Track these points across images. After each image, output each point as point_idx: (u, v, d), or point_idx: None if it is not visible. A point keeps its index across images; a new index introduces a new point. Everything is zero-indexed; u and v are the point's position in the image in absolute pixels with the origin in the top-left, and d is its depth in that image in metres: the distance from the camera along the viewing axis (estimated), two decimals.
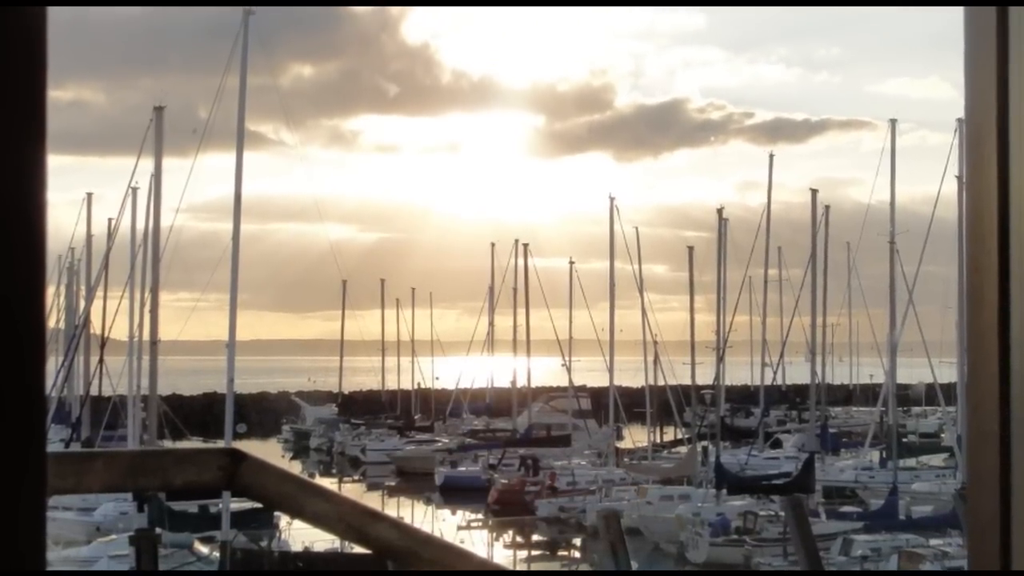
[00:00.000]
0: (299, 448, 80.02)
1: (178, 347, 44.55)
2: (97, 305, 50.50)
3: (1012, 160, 1.74)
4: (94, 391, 51.50)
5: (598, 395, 70.29)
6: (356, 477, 67.53)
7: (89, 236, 58.26)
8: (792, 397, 76.43)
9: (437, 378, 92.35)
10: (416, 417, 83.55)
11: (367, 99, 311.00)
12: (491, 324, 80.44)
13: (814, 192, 57.93)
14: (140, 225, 44.71)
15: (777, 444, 63.07)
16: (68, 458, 2.63)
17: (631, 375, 68.09)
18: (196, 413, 75.91)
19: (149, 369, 39.54)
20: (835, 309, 64.89)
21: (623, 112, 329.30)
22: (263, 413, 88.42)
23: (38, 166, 1.31)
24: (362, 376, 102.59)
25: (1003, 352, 1.71)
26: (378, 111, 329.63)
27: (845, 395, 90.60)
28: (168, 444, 44.30)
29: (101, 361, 49.71)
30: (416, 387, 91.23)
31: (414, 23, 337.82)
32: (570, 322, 69.88)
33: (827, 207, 59.67)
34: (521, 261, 73.84)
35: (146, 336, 40.65)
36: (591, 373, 77.09)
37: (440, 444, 68.33)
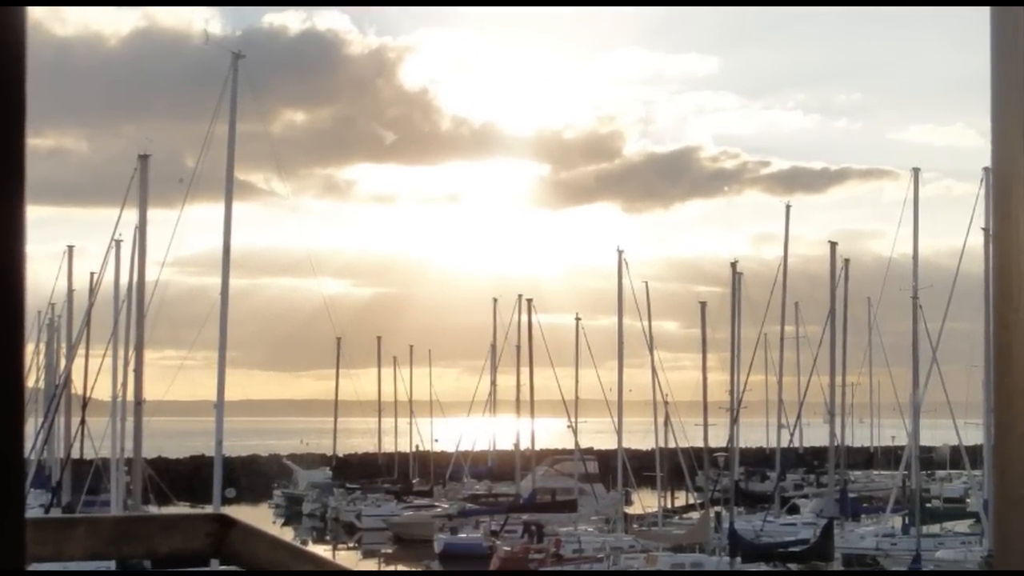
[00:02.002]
0: (291, 514, 79.47)
1: (164, 408, 43.83)
2: (79, 363, 50.67)
3: None
4: (75, 454, 51.11)
5: (606, 458, 70.19)
6: (351, 544, 66.83)
7: (70, 291, 58.30)
8: (810, 460, 76.73)
9: (436, 440, 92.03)
10: (414, 481, 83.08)
11: (362, 147, 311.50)
12: (493, 383, 79.86)
13: (833, 245, 58.08)
14: (124, 279, 44.34)
15: (794, 509, 62.75)
16: (48, 524, 2.50)
17: (640, 437, 68.36)
18: (183, 477, 75.86)
19: (133, 431, 39.23)
20: (855, 368, 64.76)
21: (632, 161, 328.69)
22: (253, 477, 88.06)
23: (16, 216, 1.28)
24: (358, 438, 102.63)
25: None
26: (374, 159, 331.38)
27: (866, 458, 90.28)
28: (153, 509, 43.90)
29: (83, 422, 49.44)
30: (414, 450, 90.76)
31: (412, 67, 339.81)
32: (576, 381, 69.46)
33: (847, 260, 59.70)
34: (525, 317, 73.56)
35: (130, 396, 40.38)
36: (598, 435, 76.83)
37: (439, 509, 67.64)
